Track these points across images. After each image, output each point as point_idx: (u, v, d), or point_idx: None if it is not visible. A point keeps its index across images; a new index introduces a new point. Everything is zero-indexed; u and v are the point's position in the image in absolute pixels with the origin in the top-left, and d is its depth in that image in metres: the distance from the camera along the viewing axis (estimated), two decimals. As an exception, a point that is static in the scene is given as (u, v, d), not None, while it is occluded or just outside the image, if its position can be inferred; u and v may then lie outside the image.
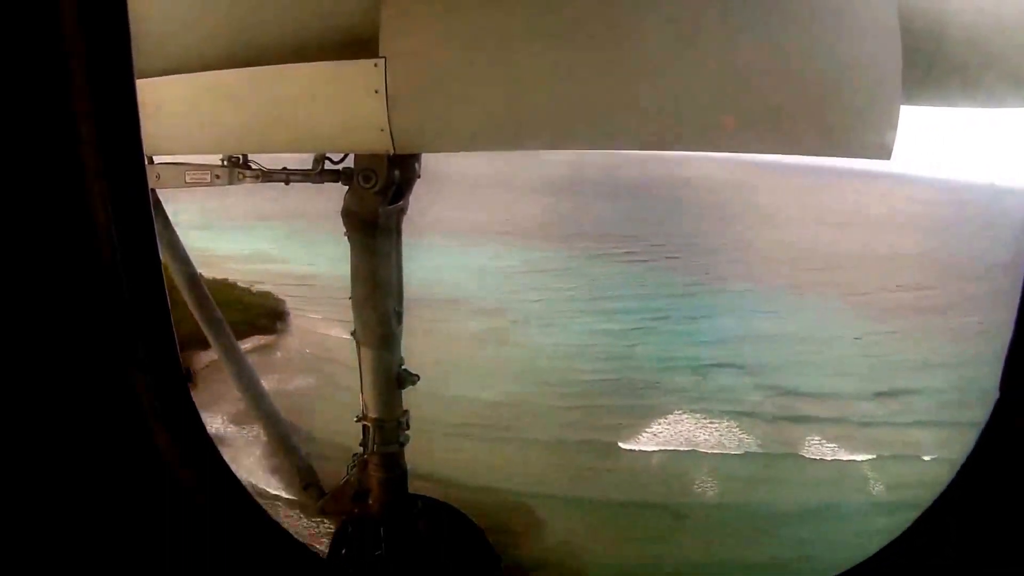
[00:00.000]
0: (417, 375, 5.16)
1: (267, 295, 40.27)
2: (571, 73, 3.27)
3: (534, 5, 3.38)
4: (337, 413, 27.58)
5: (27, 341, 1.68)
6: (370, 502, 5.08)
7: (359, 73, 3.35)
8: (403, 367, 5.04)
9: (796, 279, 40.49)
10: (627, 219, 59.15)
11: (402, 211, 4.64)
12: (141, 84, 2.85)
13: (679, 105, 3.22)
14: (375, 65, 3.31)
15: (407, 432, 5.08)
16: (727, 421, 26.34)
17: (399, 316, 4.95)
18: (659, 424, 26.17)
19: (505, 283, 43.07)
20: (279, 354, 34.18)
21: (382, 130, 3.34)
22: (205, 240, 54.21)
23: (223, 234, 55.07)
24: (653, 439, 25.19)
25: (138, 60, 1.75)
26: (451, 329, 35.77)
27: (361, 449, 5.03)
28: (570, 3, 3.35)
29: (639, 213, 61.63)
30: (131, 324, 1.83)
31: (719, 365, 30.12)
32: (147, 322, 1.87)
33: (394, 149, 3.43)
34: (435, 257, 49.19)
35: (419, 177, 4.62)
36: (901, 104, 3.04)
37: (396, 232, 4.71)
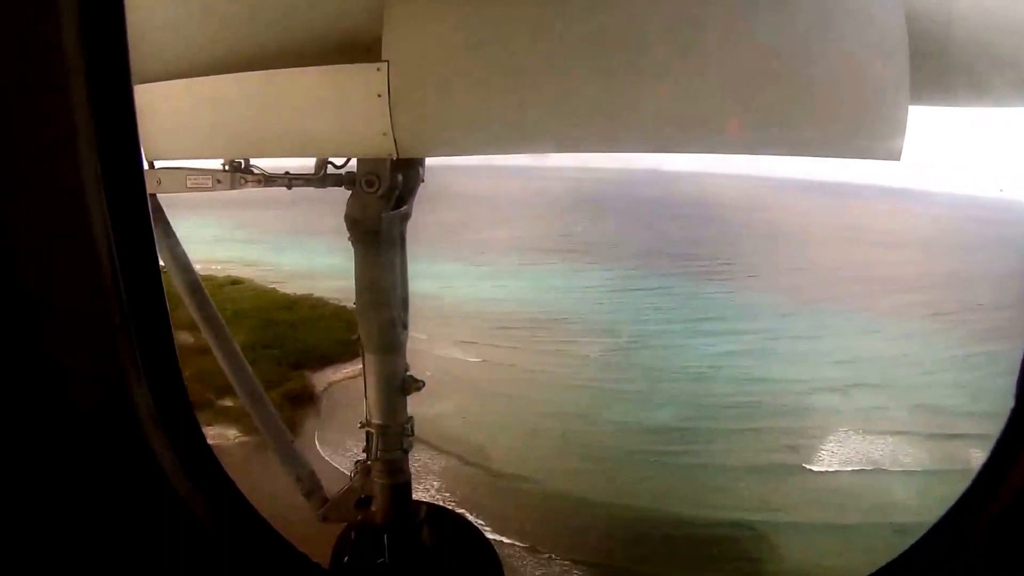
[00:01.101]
0: (422, 381, 5.07)
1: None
2: (576, 75, 3.24)
3: (539, 7, 3.36)
4: (499, 439, 27.71)
5: (24, 350, 1.67)
6: (373, 509, 5.01)
7: (361, 77, 3.32)
8: (408, 373, 5.00)
9: (879, 300, 42.42)
10: (677, 237, 60.49)
11: (406, 216, 4.61)
12: (141, 89, 2.79)
13: (685, 107, 3.20)
14: (378, 69, 3.28)
15: (411, 438, 5.07)
16: (890, 439, 27.59)
17: (404, 322, 4.92)
18: (831, 444, 27.17)
19: (598, 302, 43.68)
20: None
21: (385, 134, 3.32)
22: (267, 255, 53.31)
23: (280, 250, 54.23)
24: (835, 459, 26.14)
25: (138, 65, 1.80)
26: (576, 350, 36.15)
27: (364, 455, 5.05)
28: (575, 4, 3.32)
29: (684, 231, 63.11)
30: (130, 333, 1.81)
31: (855, 385, 31.39)
32: (146, 331, 1.85)
33: (397, 153, 3.39)
34: (509, 275, 49.58)
35: (423, 182, 4.59)
36: (909, 104, 3.02)
37: (400, 237, 4.71)
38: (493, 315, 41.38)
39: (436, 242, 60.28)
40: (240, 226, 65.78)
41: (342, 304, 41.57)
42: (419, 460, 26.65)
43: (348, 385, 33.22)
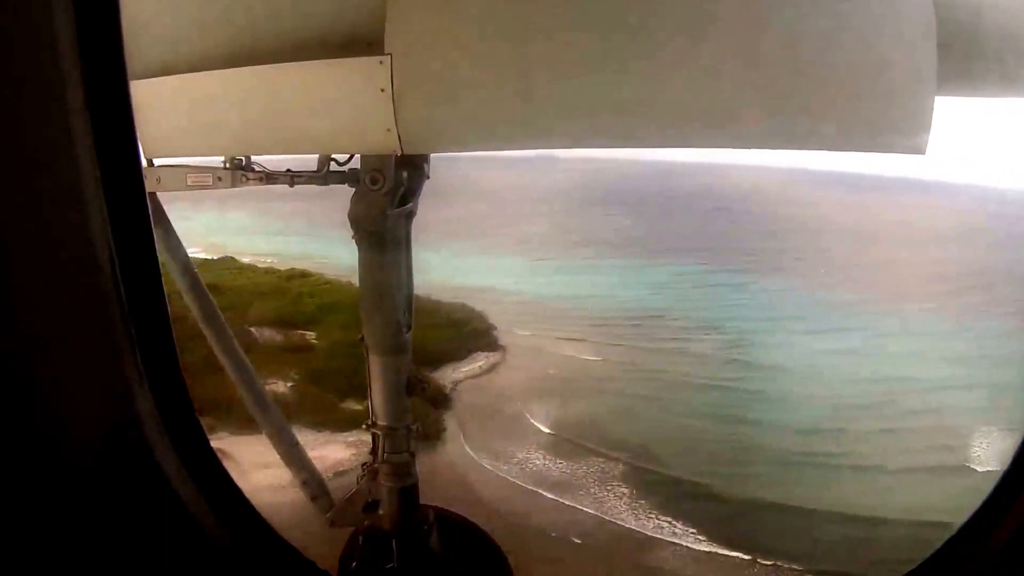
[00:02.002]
0: (427, 382, 5.11)
1: (468, 309, 39.12)
2: (587, 68, 3.14)
3: None
4: (658, 441, 27.42)
5: (23, 356, 1.65)
6: (380, 513, 4.92)
7: (364, 71, 3.22)
8: (413, 374, 4.93)
9: (950, 298, 43.42)
10: (729, 231, 60.66)
11: (411, 214, 4.53)
12: (139, 85, 2.74)
13: (702, 100, 3.09)
14: (380, 62, 3.18)
15: (417, 440, 5.04)
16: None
17: (408, 322, 4.84)
18: (983, 443, 27.69)
19: (684, 298, 43.57)
20: (521, 375, 33.21)
21: (388, 130, 3.22)
22: (312, 246, 51.36)
23: (323, 242, 52.43)
24: (993, 458, 26.52)
25: (136, 60, 1.76)
26: (689, 348, 36.00)
27: (371, 458, 4.98)
28: None
29: (733, 225, 63.48)
30: (131, 337, 1.80)
31: (977, 384, 31.98)
32: (148, 335, 1.84)
33: (401, 150, 3.30)
34: (576, 270, 49.11)
35: (428, 178, 4.51)
36: (936, 97, 2.93)
37: (405, 236, 4.62)
38: (584, 311, 41.03)
39: (484, 236, 59.61)
40: (261, 215, 63.78)
41: (433, 298, 40.76)
42: (598, 466, 26.29)
43: (474, 385, 32.60)
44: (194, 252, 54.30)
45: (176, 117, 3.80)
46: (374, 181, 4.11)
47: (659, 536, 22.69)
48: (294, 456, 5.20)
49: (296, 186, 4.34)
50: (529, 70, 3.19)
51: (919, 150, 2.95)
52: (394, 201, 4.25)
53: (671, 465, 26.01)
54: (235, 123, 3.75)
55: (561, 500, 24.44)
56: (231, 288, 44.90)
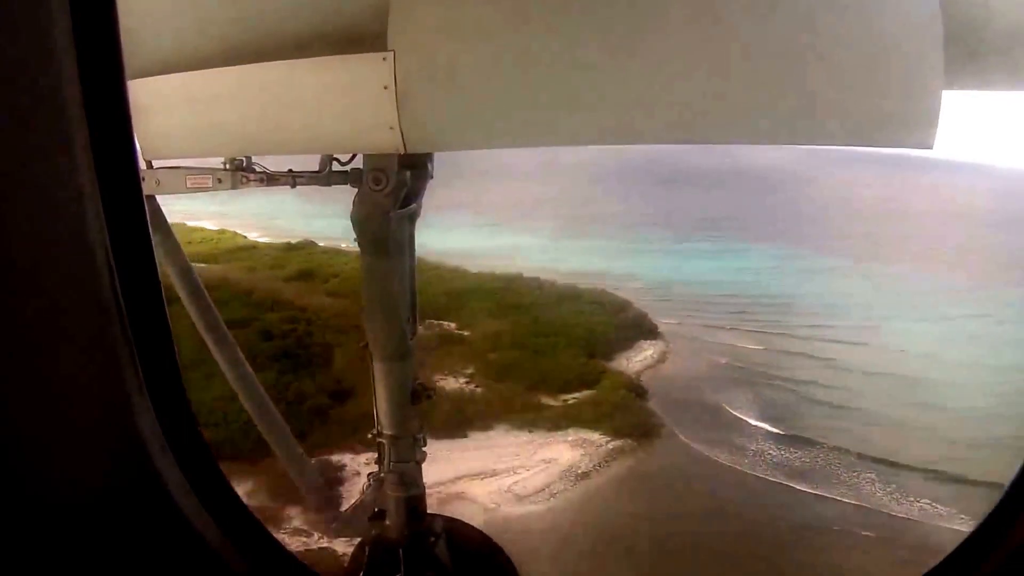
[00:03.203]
0: (432, 389, 5.05)
1: (610, 296, 38.16)
2: (592, 64, 3.10)
3: None
4: (908, 439, 26.81)
5: (22, 367, 1.63)
6: (387, 523, 4.89)
7: (366, 68, 3.17)
8: (418, 381, 4.84)
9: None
10: (794, 214, 60.66)
11: (415, 215, 4.46)
12: (138, 86, 2.90)
13: (708, 96, 3.07)
14: (383, 59, 3.13)
15: (424, 449, 5.01)
16: None
17: (414, 328, 4.78)
18: None
19: (796, 284, 43.52)
20: (693, 364, 32.60)
21: (392, 128, 3.17)
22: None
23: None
24: None
25: (133, 60, 1.77)
26: (830, 335, 35.62)
27: (376, 467, 4.96)
28: None
29: (794, 206, 63.58)
30: (131, 347, 1.78)
31: None
32: (148, 345, 1.82)
33: (405, 148, 3.25)
34: (672, 255, 48.57)
35: (432, 178, 4.43)
36: (943, 90, 2.94)
37: (409, 237, 4.55)
38: (710, 297, 40.67)
39: (560, 218, 58.39)
40: (307, 200, 60.88)
41: (569, 284, 39.58)
42: (832, 455, 25.92)
43: (655, 375, 31.86)
44: (267, 238, 52.00)
45: (175, 117, 3.71)
46: (377, 181, 3.99)
47: (933, 522, 22.69)
48: (297, 464, 5.26)
49: (296, 188, 4.25)
50: (532, 68, 3.12)
51: (927, 144, 2.92)
52: (398, 201, 4.11)
53: (897, 451, 26.01)
54: (235, 123, 3.65)
55: (816, 492, 24.18)
56: (338, 275, 42.69)
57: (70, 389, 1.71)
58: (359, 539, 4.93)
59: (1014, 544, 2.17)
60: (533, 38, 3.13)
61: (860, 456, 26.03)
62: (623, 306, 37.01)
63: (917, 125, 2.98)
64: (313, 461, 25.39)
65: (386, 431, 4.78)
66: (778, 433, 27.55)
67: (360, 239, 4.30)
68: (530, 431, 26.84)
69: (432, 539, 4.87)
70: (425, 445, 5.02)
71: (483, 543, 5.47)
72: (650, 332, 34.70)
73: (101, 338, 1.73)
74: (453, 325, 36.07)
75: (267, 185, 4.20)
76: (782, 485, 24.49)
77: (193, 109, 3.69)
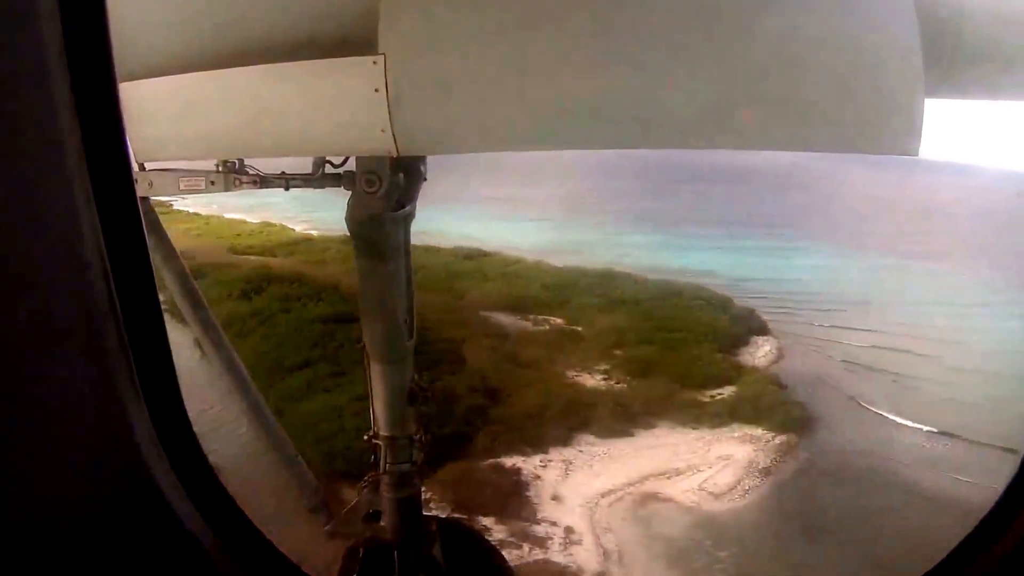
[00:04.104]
0: (430, 391, 5.11)
1: (709, 291, 38.12)
2: (582, 68, 3.14)
3: None
4: None
5: (15, 371, 1.62)
6: (382, 524, 4.94)
7: (357, 71, 3.17)
8: (415, 382, 4.90)
9: None
10: (815, 210, 62.05)
11: (409, 217, 4.49)
12: (130, 89, 3.03)
13: (695, 101, 3.12)
14: (374, 62, 3.13)
15: (420, 450, 5.04)
16: None
17: (410, 328, 4.79)
18: None
19: (861, 281, 44.16)
20: (811, 361, 32.77)
21: (383, 131, 3.18)
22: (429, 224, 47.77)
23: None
24: None
25: (125, 62, 1.83)
26: (924, 332, 36.10)
27: (372, 469, 5.01)
28: None
29: (828, 205, 64.75)
30: (126, 351, 1.77)
31: None
32: (143, 348, 1.82)
33: (397, 151, 3.25)
34: (744, 252, 48.69)
35: (425, 180, 4.46)
36: (925, 98, 3.01)
37: (404, 239, 4.58)
38: (796, 295, 40.68)
39: (604, 213, 58.09)
40: (336, 192, 58.80)
41: (666, 280, 39.34)
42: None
43: (780, 369, 31.94)
44: (315, 231, 49.90)
45: (168, 120, 3.71)
46: (370, 184, 4.01)
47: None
48: (292, 466, 5.12)
49: (289, 190, 4.29)
50: (525, 70, 3.15)
51: (911, 151, 3.03)
52: (391, 203, 4.14)
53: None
54: (228, 125, 3.66)
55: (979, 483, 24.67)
56: (417, 268, 41.37)
57: (65, 392, 1.69)
58: (353, 540, 4.93)
59: (1010, 545, 2.18)
60: (524, 41, 3.13)
61: (1005, 450, 26.77)
62: (725, 302, 37.10)
63: (902, 132, 3.05)
64: (483, 465, 24.74)
65: (383, 432, 4.82)
66: (920, 428, 28.04)
67: (355, 242, 4.33)
68: (694, 428, 26.59)
69: (427, 540, 4.91)
70: (422, 447, 5.00)
71: (479, 545, 5.49)
72: (760, 328, 34.87)
73: (96, 341, 1.71)
74: (561, 320, 35.50)
75: (260, 187, 4.19)
76: (949, 477, 24.95)
77: (186, 112, 3.68)
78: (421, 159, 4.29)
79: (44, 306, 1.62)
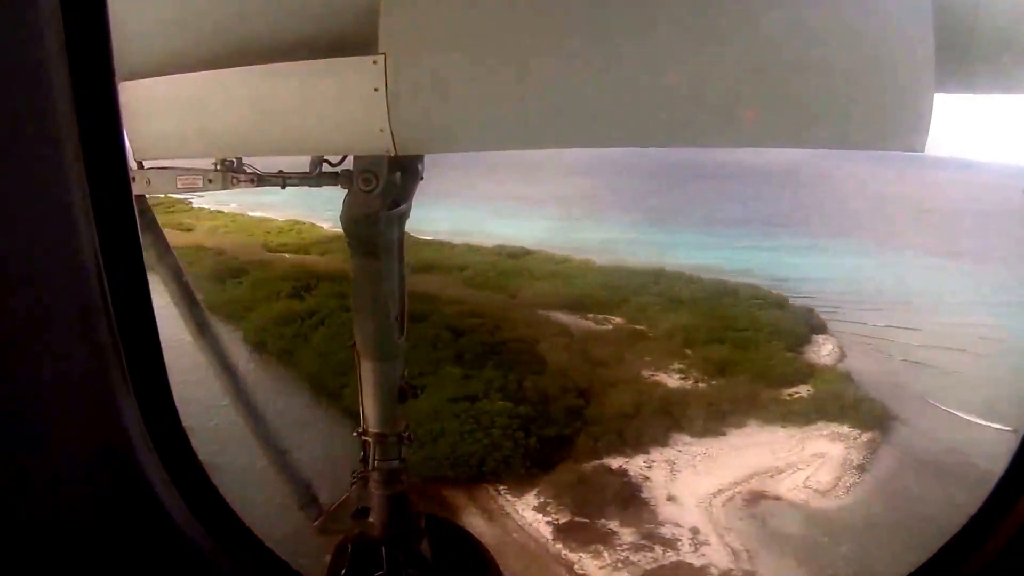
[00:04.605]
0: (419, 388, 5.17)
1: (765, 291, 38.46)
2: (581, 67, 3.12)
3: None
4: None
5: (8, 368, 1.63)
6: (370, 520, 5.00)
7: (357, 70, 3.17)
8: (405, 380, 4.96)
9: None
10: (833, 208, 62.79)
11: (404, 216, 4.55)
12: (129, 87, 3.17)
13: (697, 99, 3.06)
14: (374, 62, 3.12)
15: (408, 447, 5.11)
16: None
17: (401, 326, 4.85)
18: None
19: (901, 280, 44.95)
20: (873, 361, 33.21)
21: (382, 130, 3.17)
22: (462, 222, 47.49)
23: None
24: None
25: (125, 61, 1.87)
26: (972, 332, 36.81)
27: (361, 465, 5.07)
28: None
29: (859, 203, 64.36)
30: (118, 348, 1.78)
31: None
32: (134, 345, 1.83)
33: (395, 150, 3.25)
34: (812, 251, 48.72)
35: (422, 179, 4.50)
36: (934, 93, 2.92)
37: (399, 238, 4.66)
38: (841, 295, 40.90)
39: (631, 211, 58.22)
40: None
41: (721, 280, 39.52)
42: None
43: (846, 367, 32.35)
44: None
45: (166, 119, 3.78)
46: (367, 182, 4.05)
47: None
48: (283, 463, 5.21)
49: (286, 188, 4.31)
50: (523, 69, 3.18)
51: (918, 147, 2.99)
52: (387, 203, 4.20)
53: None
54: (226, 124, 3.72)
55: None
56: (465, 267, 41.12)
57: (55, 386, 1.69)
58: (342, 536, 4.99)
59: (1001, 542, 2.21)
60: (522, 40, 3.15)
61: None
62: (781, 301, 37.59)
63: (908, 128, 3.03)
64: (589, 467, 24.62)
65: (372, 429, 4.86)
66: (991, 426, 28.67)
67: (350, 240, 4.36)
68: (782, 426, 26.91)
69: (415, 537, 4.96)
70: (410, 444, 5.06)
71: (465, 541, 5.55)
72: (820, 327, 35.41)
73: (88, 336, 1.73)
74: (621, 319, 35.59)
75: (257, 186, 4.20)
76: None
77: (185, 110, 3.69)
78: (418, 158, 4.33)
79: (37, 298, 1.62)
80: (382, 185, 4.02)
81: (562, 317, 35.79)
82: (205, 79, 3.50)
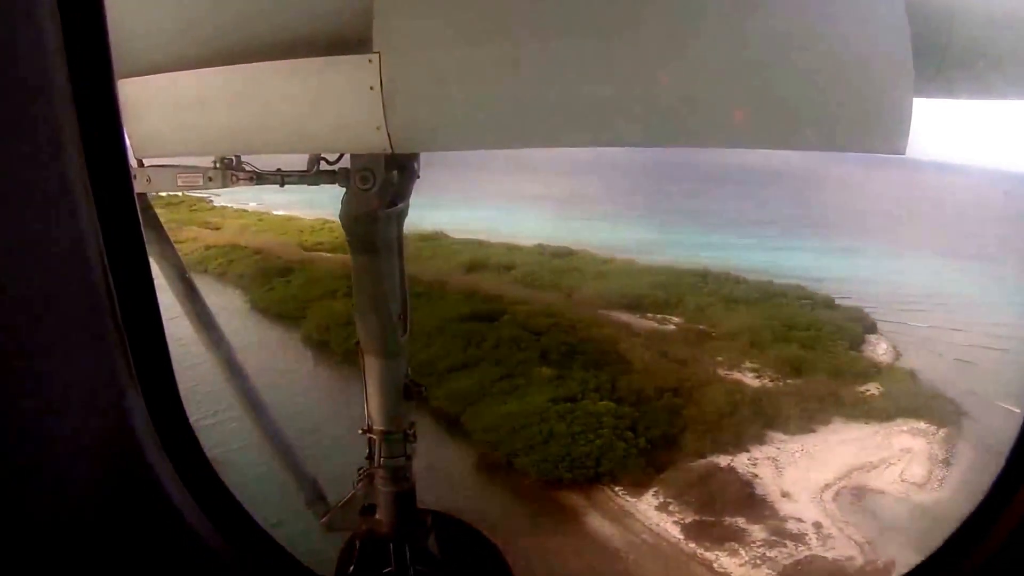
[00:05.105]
0: (423, 386, 5.18)
1: (810, 292, 39.32)
2: (575, 67, 3.16)
3: None
4: None
5: (13, 364, 1.63)
6: (377, 517, 5.06)
7: (352, 69, 3.18)
8: (409, 378, 5.01)
9: None
10: (838, 210, 64.02)
11: (403, 214, 4.61)
12: (128, 86, 3.26)
13: (686, 100, 3.15)
14: (369, 60, 3.12)
15: (414, 444, 5.17)
16: None
17: (404, 324, 4.91)
18: None
19: (931, 282, 45.61)
20: (931, 360, 34.08)
21: (378, 129, 3.17)
22: (483, 221, 47.10)
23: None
24: None
25: (124, 59, 1.86)
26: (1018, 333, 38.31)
27: (368, 462, 5.13)
28: None
29: (880, 204, 64.33)
30: (122, 340, 1.79)
31: None
32: (139, 338, 1.85)
33: (392, 148, 3.25)
34: (850, 253, 49.45)
35: (419, 177, 4.56)
36: (913, 97, 3.01)
37: (398, 235, 4.72)
38: (878, 295, 41.41)
39: (651, 212, 58.66)
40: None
41: (764, 280, 40.25)
42: None
43: (906, 365, 33.35)
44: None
45: (165, 117, 3.81)
46: (364, 181, 4.10)
47: None
48: (290, 461, 5.24)
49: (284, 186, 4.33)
50: (518, 67, 3.22)
51: (899, 150, 3.06)
52: (386, 200, 4.26)
53: None
54: (224, 122, 3.74)
55: None
56: (513, 266, 41.15)
57: (62, 385, 1.70)
58: (350, 534, 5.05)
59: (999, 540, 2.24)
60: (518, 39, 3.20)
61: None
62: (828, 302, 38.62)
63: (890, 132, 3.12)
64: (699, 465, 24.96)
65: (377, 427, 4.94)
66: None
67: (349, 238, 4.43)
68: (865, 423, 27.80)
69: (422, 533, 5.03)
70: (415, 441, 5.12)
71: (473, 537, 5.54)
72: (872, 327, 36.52)
73: (94, 334, 1.74)
74: (680, 319, 36.18)
75: (256, 184, 4.25)
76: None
77: (183, 109, 3.74)
78: (415, 157, 4.39)
79: (43, 297, 1.62)
80: (379, 183, 4.06)
81: (623, 316, 36.22)
82: (203, 77, 3.51)
